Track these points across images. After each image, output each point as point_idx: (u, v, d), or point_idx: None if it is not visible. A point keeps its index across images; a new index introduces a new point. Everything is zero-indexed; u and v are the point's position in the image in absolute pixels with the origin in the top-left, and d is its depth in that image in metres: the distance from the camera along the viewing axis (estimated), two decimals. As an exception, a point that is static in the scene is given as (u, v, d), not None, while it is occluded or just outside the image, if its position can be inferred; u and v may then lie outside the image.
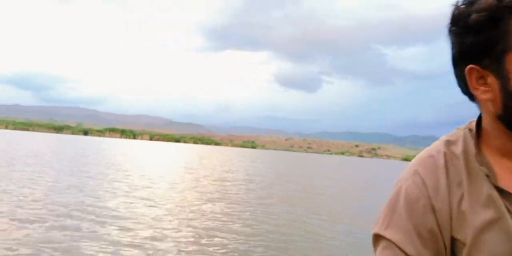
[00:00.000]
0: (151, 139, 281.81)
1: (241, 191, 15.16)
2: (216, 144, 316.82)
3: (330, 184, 22.65)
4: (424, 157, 0.74)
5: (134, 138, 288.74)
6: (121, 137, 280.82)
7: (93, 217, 8.07)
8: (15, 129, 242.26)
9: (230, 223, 8.80)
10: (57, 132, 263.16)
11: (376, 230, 0.73)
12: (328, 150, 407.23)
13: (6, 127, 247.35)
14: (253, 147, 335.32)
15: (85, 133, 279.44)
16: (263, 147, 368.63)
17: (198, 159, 42.44)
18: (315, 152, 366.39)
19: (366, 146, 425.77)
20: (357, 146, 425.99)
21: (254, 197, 13.62)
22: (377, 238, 0.72)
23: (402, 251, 0.67)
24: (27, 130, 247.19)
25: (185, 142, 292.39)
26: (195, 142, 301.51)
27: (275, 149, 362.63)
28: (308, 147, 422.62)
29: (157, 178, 16.94)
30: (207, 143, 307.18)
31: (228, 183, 17.53)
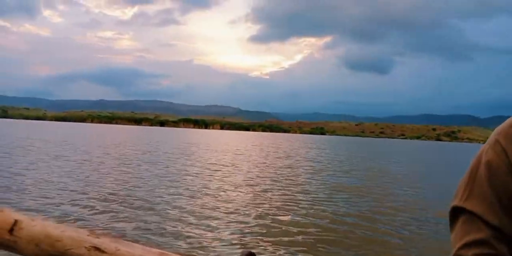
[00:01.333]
0: (221, 128, 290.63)
1: (311, 178, 14.64)
2: (285, 131, 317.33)
3: (404, 170, 21.16)
4: (505, 127, 0.74)
5: (206, 127, 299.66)
6: (194, 127, 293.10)
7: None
8: (100, 122, 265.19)
9: (301, 211, 8.52)
10: (137, 124, 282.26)
11: (455, 202, 0.72)
12: (403, 135, 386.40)
13: (92, 121, 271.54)
14: (322, 134, 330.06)
15: (162, 124, 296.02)
16: (333, 133, 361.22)
17: (265, 145, 42.57)
18: (388, 137, 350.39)
19: (444, 129, 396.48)
20: (434, 129, 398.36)
21: (325, 184, 13.04)
22: (456, 211, 0.72)
23: (484, 221, 0.66)
24: (111, 123, 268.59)
25: (254, 130, 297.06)
26: (263, 130, 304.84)
27: (345, 135, 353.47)
28: (381, 132, 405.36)
29: (229, 165, 17.12)
30: (276, 131, 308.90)
31: (297, 171, 17.09)
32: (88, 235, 0.70)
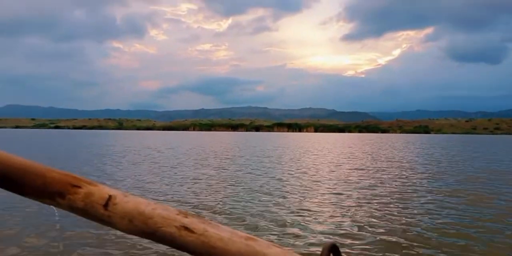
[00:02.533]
0: (315, 131, 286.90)
1: (414, 180, 12.14)
2: (383, 131, 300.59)
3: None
4: None
5: (300, 130, 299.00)
6: (288, 131, 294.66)
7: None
8: (200, 129, 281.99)
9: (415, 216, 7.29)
10: (233, 130, 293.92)
11: None
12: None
13: (194, 129, 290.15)
14: (426, 132, 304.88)
15: (257, 129, 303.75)
16: (438, 131, 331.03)
17: (358, 146, 39.39)
18: (506, 133, 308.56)
19: None
20: None
21: (438, 188, 10.52)
22: None
23: None
24: (210, 130, 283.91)
25: (349, 131, 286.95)
26: (360, 131, 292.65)
27: (453, 133, 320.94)
28: (496, 128, 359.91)
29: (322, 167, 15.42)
30: (374, 131, 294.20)
31: (398, 172, 14.63)
32: (177, 214, 0.73)
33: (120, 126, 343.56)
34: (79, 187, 0.75)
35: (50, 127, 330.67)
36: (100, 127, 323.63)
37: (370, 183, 11.67)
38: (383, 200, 8.81)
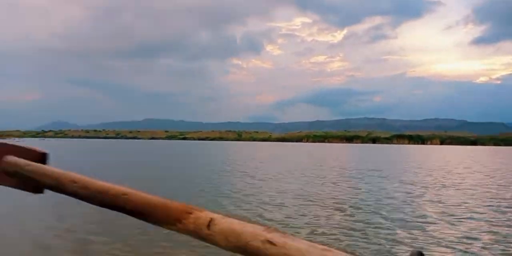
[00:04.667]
0: (441, 143, 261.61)
1: None
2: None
3: None
4: None
5: (423, 143, 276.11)
6: (409, 143, 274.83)
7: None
8: (313, 141, 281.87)
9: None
10: (348, 142, 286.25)
11: None
12: None
13: (307, 140, 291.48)
14: None
15: (374, 141, 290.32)
16: None
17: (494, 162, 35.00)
18: None
19: None
20: None
21: None
22: None
23: None
24: (323, 141, 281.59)
25: (482, 144, 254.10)
26: (496, 144, 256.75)
27: None
28: None
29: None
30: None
31: None
32: (263, 230, 0.82)
33: (239, 137, 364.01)
34: (190, 213, 0.90)
35: (179, 138, 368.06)
36: (221, 138, 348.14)
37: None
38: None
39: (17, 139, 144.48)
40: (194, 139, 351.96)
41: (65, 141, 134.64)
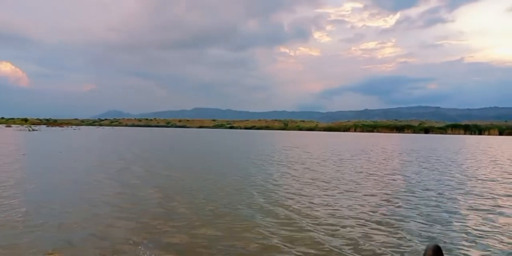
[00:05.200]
0: (500, 134, 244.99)
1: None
2: None
3: None
4: None
5: (480, 133, 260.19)
6: (464, 133, 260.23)
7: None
8: (362, 131, 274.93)
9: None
10: (398, 132, 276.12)
11: None
12: None
13: (355, 130, 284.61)
14: None
15: (426, 131, 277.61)
16: None
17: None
18: None
19: None
20: None
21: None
22: None
23: None
24: (372, 131, 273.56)
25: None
26: None
27: None
28: None
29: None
30: None
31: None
32: None
33: (285, 126, 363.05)
34: None
35: (226, 127, 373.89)
36: (267, 128, 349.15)
37: None
38: None
39: (74, 127, 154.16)
40: (240, 128, 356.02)
41: (122, 129, 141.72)
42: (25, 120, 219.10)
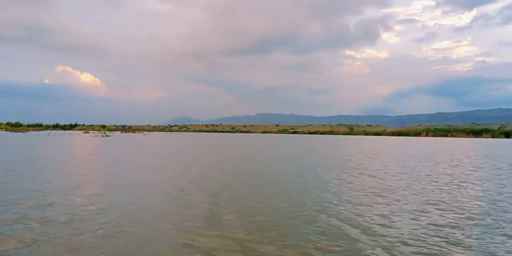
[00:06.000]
0: None
1: None
2: None
3: None
4: None
5: None
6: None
7: None
8: (434, 135, 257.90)
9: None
10: (475, 136, 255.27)
11: None
12: None
13: (427, 134, 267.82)
14: None
15: (507, 135, 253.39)
16: None
17: None
18: None
19: None
20: None
21: None
22: None
23: None
24: (446, 136, 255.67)
25: None
26: None
27: None
28: None
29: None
30: None
31: None
32: None
33: (350, 131, 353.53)
34: None
35: (289, 132, 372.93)
36: (331, 132, 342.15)
37: None
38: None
39: (145, 132, 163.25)
40: (304, 133, 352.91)
41: (188, 135, 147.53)
42: (103, 127, 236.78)
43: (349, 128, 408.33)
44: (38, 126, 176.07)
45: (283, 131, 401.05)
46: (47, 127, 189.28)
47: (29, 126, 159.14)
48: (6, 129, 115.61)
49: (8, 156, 21.63)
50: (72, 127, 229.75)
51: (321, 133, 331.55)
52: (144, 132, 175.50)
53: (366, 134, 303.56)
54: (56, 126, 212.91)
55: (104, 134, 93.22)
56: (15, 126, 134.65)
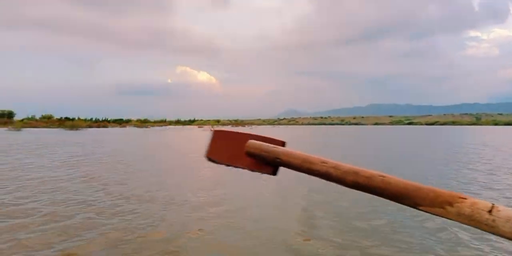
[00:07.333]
0: None
1: None
2: None
3: None
4: None
5: None
6: None
7: None
8: None
9: None
10: None
11: None
12: None
13: None
14: None
15: None
16: None
17: None
18: None
19: None
20: None
21: None
22: None
23: None
24: None
25: None
26: None
27: None
28: None
29: None
30: None
31: None
32: None
33: (476, 121, 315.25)
34: (465, 198, 0.87)
35: (404, 124, 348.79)
36: (453, 123, 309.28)
37: None
38: None
39: (253, 126, 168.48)
40: (421, 124, 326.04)
41: (296, 128, 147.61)
42: (217, 122, 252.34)
43: (475, 117, 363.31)
44: (163, 122, 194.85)
45: (397, 122, 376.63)
46: (170, 123, 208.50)
47: (155, 122, 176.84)
48: (135, 125, 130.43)
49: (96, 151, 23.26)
50: (191, 122, 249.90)
51: (442, 124, 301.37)
52: (252, 126, 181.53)
53: (496, 124, 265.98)
54: (177, 122, 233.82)
55: (212, 128, 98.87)
56: (143, 122, 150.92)
